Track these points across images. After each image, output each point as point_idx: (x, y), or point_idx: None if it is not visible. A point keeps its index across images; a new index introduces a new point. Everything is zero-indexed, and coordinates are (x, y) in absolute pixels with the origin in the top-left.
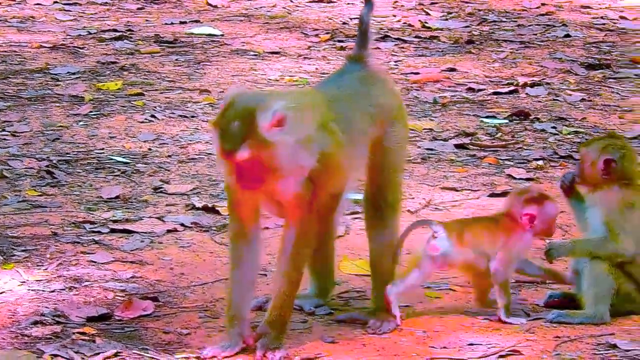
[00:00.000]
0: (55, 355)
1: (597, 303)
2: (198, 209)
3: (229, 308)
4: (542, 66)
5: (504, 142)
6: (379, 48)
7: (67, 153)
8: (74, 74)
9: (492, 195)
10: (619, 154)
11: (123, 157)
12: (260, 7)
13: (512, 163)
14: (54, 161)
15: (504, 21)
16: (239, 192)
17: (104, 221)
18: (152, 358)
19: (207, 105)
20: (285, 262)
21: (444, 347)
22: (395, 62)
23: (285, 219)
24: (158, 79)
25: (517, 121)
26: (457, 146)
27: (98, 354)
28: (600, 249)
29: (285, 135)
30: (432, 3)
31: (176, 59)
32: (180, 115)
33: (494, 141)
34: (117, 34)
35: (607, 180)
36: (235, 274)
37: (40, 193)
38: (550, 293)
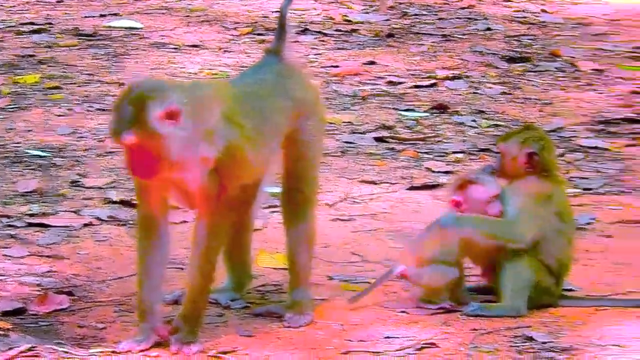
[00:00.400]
0: None
1: (515, 296)
2: (115, 202)
3: (140, 302)
4: (462, 59)
5: (423, 135)
6: (299, 41)
7: None
8: None
9: (410, 188)
10: (539, 146)
11: (40, 151)
12: (181, 0)
13: (431, 156)
14: None
15: (425, 14)
16: (142, 181)
17: (20, 215)
18: (67, 352)
19: None
20: (196, 255)
21: (361, 340)
22: (315, 55)
23: (196, 212)
24: (76, 72)
25: (437, 114)
26: (376, 139)
27: (12, 348)
28: (499, 231)
29: (177, 129)
30: None
31: (95, 52)
32: (99, 109)
33: (413, 134)
34: (36, 27)
35: (528, 172)
36: (144, 267)
37: None
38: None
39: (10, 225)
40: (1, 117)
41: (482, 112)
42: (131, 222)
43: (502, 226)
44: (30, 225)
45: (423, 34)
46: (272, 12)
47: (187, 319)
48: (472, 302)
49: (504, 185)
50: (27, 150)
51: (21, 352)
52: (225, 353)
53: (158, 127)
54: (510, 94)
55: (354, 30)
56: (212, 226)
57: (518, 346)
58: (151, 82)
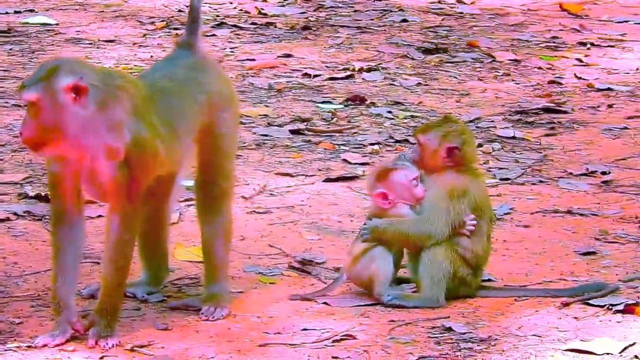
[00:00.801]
0: None
1: (433, 286)
2: (31, 197)
3: (54, 296)
4: (378, 51)
5: (339, 127)
6: (215, 35)
7: None
8: None
9: (327, 180)
10: (460, 140)
11: None
12: None
13: (347, 148)
14: None
15: (341, 7)
16: (55, 174)
17: None
18: None
19: None
20: (110, 248)
21: (278, 333)
22: (231, 49)
23: (108, 204)
24: None
25: (353, 106)
26: (293, 132)
27: None
28: (414, 229)
29: (79, 106)
30: None
31: (10, 49)
32: (14, 105)
33: (329, 126)
34: None
35: (447, 166)
36: (58, 261)
37: None
38: None
39: None
40: None
41: (399, 103)
42: (47, 217)
43: (416, 225)
44: None
45: (339, 26)
46: (187, 6)
47: (103, 313)
48: (391, 291)
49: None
50: None
51: None
52: (141, 347)
53: (60, 96)
54: (426, 85)
55: (269, 24)
56: (124, 219)
57: (436, 337)
58: (72, 58)
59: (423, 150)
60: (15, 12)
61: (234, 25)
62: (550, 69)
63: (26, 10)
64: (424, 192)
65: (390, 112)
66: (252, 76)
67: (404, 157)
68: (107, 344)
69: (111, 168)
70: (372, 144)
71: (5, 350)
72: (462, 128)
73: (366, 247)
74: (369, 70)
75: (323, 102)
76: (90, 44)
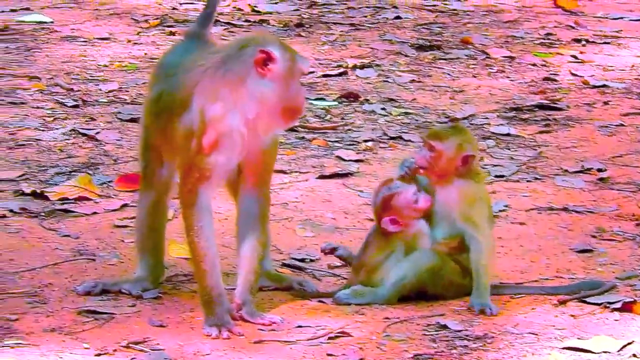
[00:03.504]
0: None
1: (395, 287)
2: (27, 194)
3: (212, 288)
4: (372, 48)
5: (333, 124)
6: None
7: None
8: None
9: (320, 177)
10: (473, 148)
11: None
12: None
13: (341, 145)
14: None
15: (334, 4)
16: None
17: None
18: None
19: (37, 92)
20: (260, 230)
21: (273, 330)
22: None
23: (244, 184)
24: None
25: (347, 103)
26: (286, 129)
27: None
28: (486, 254)
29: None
30: None
31: (6, 47)
32: (10, 102)
33: (323, 123)
34: None
35: (458, 173)
36: (210, 252)
37: None
38: None
39: None
40: None
41: (392, 100)
42: (43, 214)
43: (483, 247)
44: None
45: (332, 23)
46: (181, 4)
47: (253, 291)
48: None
49: (431, 182)
50: None
51: None
52: (137, 343)
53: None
54: (420, 81)
55: (262, 21)
56: (267, 198)
57: (432, 334)
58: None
59: (437, 157)
60: (11, 10)
61: (228, 23)
62: (544, 65)
63: (22, 9)
64: (428, 201)
65: (384, 109)
66: None
67: (407, 162)
68: (272, 318)
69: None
70: (366, 141)
71: (2, 347)
72: (472, 136)
73: (382, 258)
74: (363, 67)
75: (317, 99)
76: (85, 41)
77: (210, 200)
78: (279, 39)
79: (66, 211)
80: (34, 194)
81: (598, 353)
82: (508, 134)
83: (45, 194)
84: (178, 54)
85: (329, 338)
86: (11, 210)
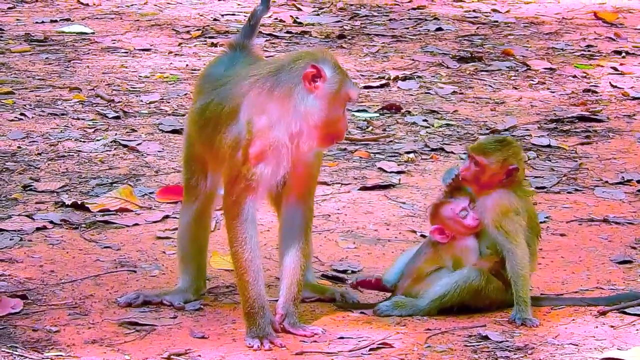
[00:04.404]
0: None
1: (436, 302)
2: (67, 206)
3: (257, 298)
4: (413, 60)
5: (375, 136)
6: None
7: None
8: None
9: (362, 188)
10: (518, 160)
11: None
12: (132, 5)
13: (383, 156)
14: None
15: (376, 15)
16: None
17: None
18: (21, 356)
19: (77, 103)
20: (302, 240)
21: (315, 341)
22: (266, 57)
23: (287, 196)
24: (28, 77)
25: (389, 114)
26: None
27: None
28: (521, 265)
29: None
30: None
31: (47, 58)
32: (50, 113)
33: (365, 135)
34: None
35: (502, 185)
36: (254, 263)
37: None
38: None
39: None
40: None
41: (434, 111)
42: (84, 225)
43: (520, 259)
44: None
45: (374, 34)
46: (222, 15)
47: (296, 301)
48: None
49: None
50: None
51: None
52: (179, 355)
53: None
54: (461, 93)
55: (304, 32)
56: (311, 210)
57: (473, 345)
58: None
59: (482, 172)
60: (52, 21)
61: (269, 34)
62: (585, 77)
63: (62, 20)
64: (476, 222)
65: (425, 120)
66: None
67: (452, 173)
68: (314, 329)
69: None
70: (408, 152)
71: (43, 359)
72: (519, 148)
73: (430, 269)
74: (405, 78)
75: (358, 111)
76: (126, 52)
77: (255, 211)
78: (335, 58)
79: (107, 222)
80: (75, 206)
81: None
82: (549, 146)
83: (86, 205)
84: (223, 66)
85: (371, 349)
86: (52, 222)
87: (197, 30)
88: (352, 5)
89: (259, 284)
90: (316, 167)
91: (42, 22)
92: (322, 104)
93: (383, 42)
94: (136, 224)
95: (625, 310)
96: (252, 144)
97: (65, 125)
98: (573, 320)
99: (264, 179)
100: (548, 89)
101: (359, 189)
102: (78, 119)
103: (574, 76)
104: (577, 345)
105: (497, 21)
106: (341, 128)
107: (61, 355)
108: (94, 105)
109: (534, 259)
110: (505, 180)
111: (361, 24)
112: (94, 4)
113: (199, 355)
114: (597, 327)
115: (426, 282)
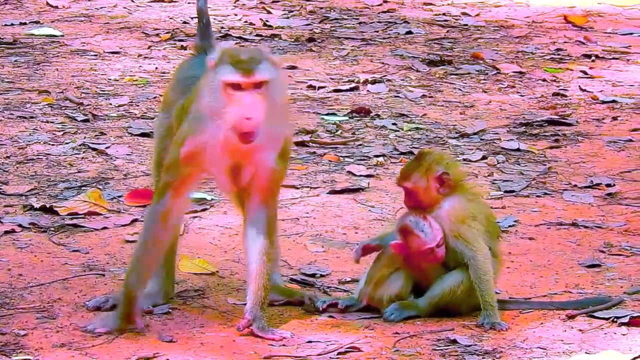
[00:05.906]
0: None
1: (435, 302)
2: (36, 209)
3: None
4: (383, 63)
5: (344, 139)
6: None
7: None
8: None
9: (331, 192)
10: (443, 165)
11: None
12: (101, 8)
13: (352, 160)
14: None
15: (346, 19)
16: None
17: None
18: None
19: (47, 106)
20: (266, 244)
21: (283, 345)
22: None
23: (251, 200)
24: None
25: (358, 118)
26: (297, 144)
27: None
28: (484, 270)
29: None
30: (274, 1)
31: (15, 60)
32: (19, 116)
33: (334, 138)
34: None
35: (444, 194)
36: (152, 252)
37: None
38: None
39: None
40: None
41: (404, 115)
42: (52, 229)
43: (482, 263)
44: None
45: (344, 38)
46: (192, 18)
47: (263, 305)
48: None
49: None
50: None
51: None
52: (147, 359)
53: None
54: (431, 97)
55: (274, 35)
56: (273, 215)
57: (441, 349)
58: None
59: (415, 195)
60: (21, 23)
61: (239, 37)
62: (554, 81)
63: (31, 22)
64: (442, 258)
65: (395, 124)
66: None
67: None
68: (282, 333)
69: (272, 158)
70: (377, 156)
71: None
72: (439, 154)
73: (387, 272)
74: (374, 82)
75: (328, 114)
76: (96, 55)
77: (175, 207)
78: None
79: (76, 226)
80: (44, 209)
81: None
82: (518, 149)
83: (55, 208)
84: (193, 69)
85: (339, 353)
86: (20, 225)
87: (167, 33)
88: (322, 8)
89: (139, 273)
90: (280, 170)
91: (12, 24)
92: (210, 94)
93: (353, 46)
94: (105, 228)
95: (594, 314)
96: (184, 143)
97: (34, 129)
98: (541, 324)
99: (189, 178)
100: (517, 92)
101: (328, 193)
102: (47, 122)
103: (544, 80)
104: (545, 349)
105: (467, 24)
106: (237, 116)
107: (29, 359)
108: (63, 108)
109: (498, 261)
110: (441, 188)
111: (331, 27)
112: (63, 7)
113: (167, 359)
114: (565, 330)
115: (386, 284)
